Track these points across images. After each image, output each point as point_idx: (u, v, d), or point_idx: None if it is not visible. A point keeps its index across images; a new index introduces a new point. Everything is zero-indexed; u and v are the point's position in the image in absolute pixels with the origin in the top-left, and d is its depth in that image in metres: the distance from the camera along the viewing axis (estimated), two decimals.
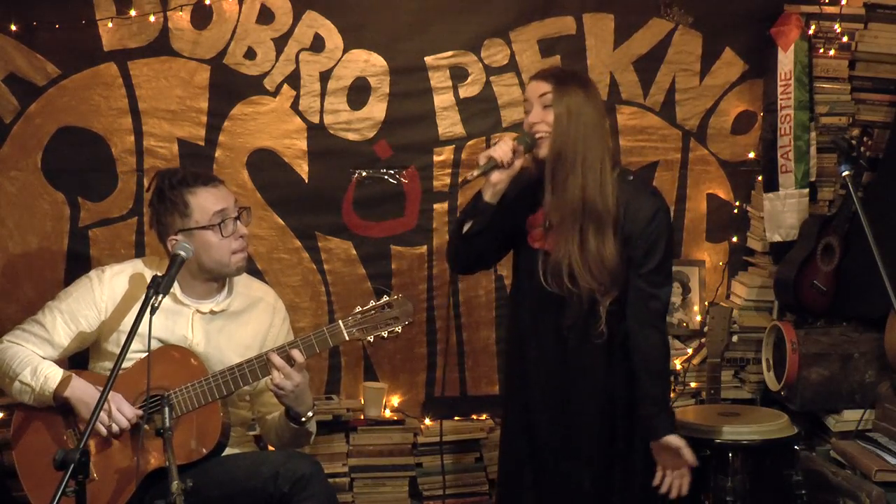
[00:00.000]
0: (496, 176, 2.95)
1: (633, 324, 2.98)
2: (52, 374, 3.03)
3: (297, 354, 2.98)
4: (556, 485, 3.08)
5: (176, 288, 3.12)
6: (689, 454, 2.98)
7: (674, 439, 2.97)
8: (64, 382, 3.01)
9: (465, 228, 3.02)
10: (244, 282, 3.28)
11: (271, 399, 3.19)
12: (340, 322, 3.03)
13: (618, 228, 2.94)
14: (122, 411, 2.97)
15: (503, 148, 2.93)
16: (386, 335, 3.02)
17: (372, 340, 3.03)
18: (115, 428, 2.97)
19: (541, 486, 3.09)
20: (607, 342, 2.98)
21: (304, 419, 3.11)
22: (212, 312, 3.18)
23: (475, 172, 2.93)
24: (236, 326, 3.22)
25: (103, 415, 2.94)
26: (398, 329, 3.02)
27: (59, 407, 3.04)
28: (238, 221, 3.14)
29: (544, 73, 3.04)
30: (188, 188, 3.10)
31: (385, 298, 3.04)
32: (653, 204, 2.98)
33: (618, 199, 2.94)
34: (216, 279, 3.19)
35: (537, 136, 2.96)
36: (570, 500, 3.06)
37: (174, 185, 3.10)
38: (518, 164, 2.97)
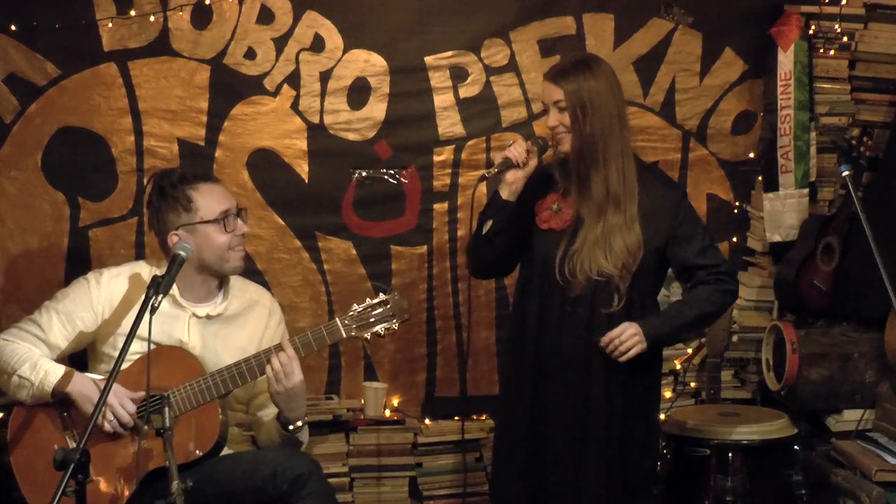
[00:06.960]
0: (511, 175, 3.10)
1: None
2: (53, 370, 3.02)
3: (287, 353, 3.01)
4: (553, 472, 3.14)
5: (175, 289, 3.12)
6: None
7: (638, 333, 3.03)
8: (65, 378, 3.00)
9: (486, 228, 3.11)
10: (240, 285, 3.28)
11: (267, 401, 3.19)
12: (338, 320, 3.04)
13: (640, 213, 3.05)
14: (124, 406, 2.97)
15: (518, 149, 3.09)
16: (383, 332, 3.03)
17: (369, 338, 3.04)
18: (115, 421, 2.96)
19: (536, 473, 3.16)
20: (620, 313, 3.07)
21: (291, 427, 3.11)
22: (208, 317, 3.18)
23: (493, 170, 3.13)
24: (232, 330, 3.22)
25: (106, 408, 2.94)
26: (395, 326, 3.03)
27: (57, 407, 3.03)
28: (239, 219, 3.16)
29: (553, 75, 3.10)
30: (190, 185, 3.13)
31: (381, 296, 3.05)
32: (674, 194, 3.16)
33: (640, 185, 3.07)
34: (215, 277, 3.19)
35: (558, 136, 3.07)
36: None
37: (175, 182, 3.12)
38: (532, 164, 3.12)
